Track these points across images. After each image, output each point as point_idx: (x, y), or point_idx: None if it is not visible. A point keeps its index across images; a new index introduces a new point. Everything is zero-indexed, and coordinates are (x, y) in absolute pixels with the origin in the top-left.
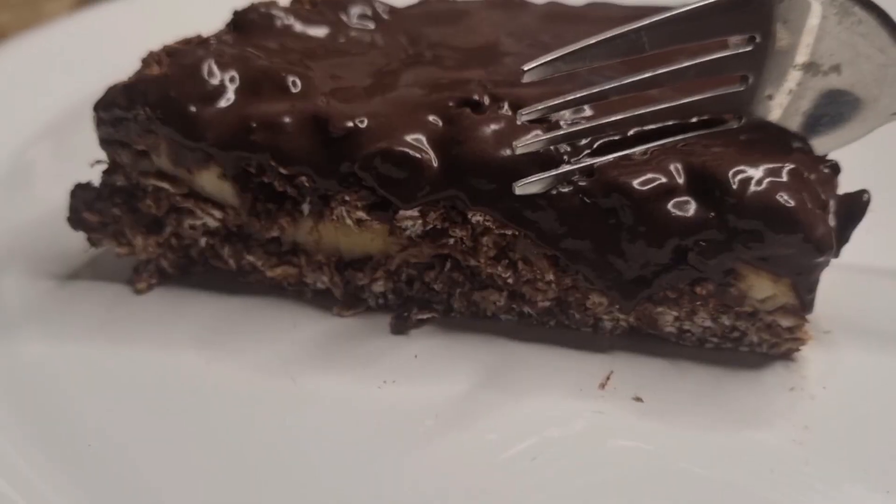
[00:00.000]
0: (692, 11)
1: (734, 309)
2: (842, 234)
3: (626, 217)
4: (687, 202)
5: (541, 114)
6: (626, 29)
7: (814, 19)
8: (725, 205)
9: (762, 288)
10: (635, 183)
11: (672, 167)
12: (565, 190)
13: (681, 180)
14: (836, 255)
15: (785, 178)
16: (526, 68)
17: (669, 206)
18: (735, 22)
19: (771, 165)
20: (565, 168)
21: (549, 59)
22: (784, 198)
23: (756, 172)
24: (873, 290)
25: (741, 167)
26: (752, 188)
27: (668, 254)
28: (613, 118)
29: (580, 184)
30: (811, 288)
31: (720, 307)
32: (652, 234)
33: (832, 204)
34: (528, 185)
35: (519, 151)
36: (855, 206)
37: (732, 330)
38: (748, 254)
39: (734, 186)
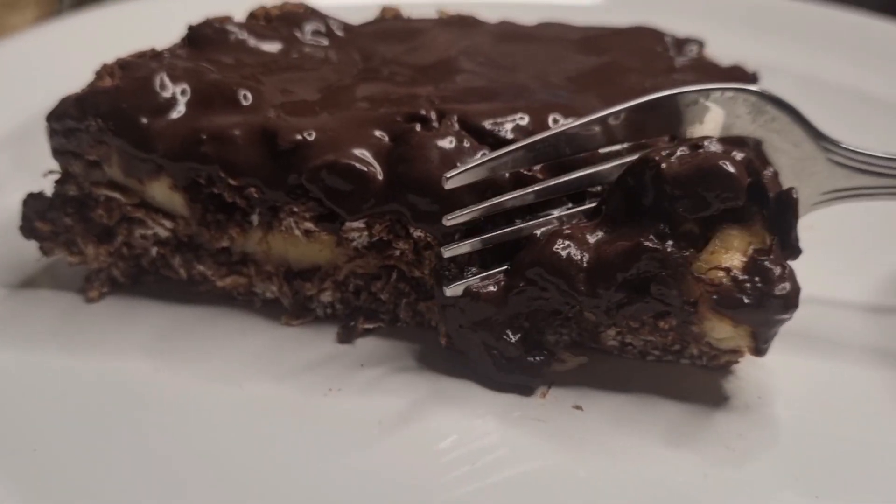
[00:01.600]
0: (607, 115)
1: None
2: (787, 238)
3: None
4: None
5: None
6: (545, 134)
7: (726, 119)
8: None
9: (722, 330)
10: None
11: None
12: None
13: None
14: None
15: None
16: (447, 175)
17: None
18: (650, 125)
19: None
20: (490, 235)
21: (470, 166)
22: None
23: None
24: (808, 304)
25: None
26: None
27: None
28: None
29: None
30: (769, 338)
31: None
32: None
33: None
34: (454, 248)
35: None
36: (785, 205)
37: (673, 343)
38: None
39: None
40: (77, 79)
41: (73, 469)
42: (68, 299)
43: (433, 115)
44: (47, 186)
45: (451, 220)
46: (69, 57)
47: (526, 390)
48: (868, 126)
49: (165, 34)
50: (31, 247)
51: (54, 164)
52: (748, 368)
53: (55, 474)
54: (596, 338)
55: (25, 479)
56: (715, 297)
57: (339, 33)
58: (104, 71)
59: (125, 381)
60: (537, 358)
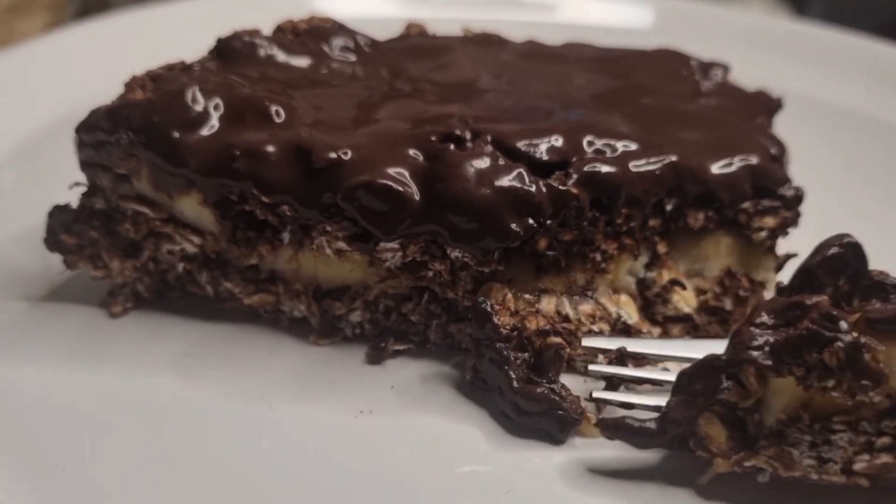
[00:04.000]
0: None
1: None
2: None
3: None
4: None
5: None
6: None
7: None
8: None
9: None
10: None
11: None
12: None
13: None
14: None
15: None
16: (594, 395)
17: None
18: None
19: None
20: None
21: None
22: None
23: None
24: None
25: None
26: None
27: None
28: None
29: None
30: None
31: None
32: None
33: None
34: (601, 393)
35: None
36: None
37: None
38: None
39: None
40: (90, 89)
41: (101, 487)
42: (91, 314)
43: (467, 135)
44: (70, 198)
45: (595, 394)
46: (78, 67)
47: (551, 439)
48: (884, 151)
49: (179, 44)
50: (55, 259)
51: (69, 176)
52: None
53: (82, 493)
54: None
55: (54, 498)
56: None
57: (367, 49)
58: (135, 83)
59: (150, 398)
60: (570, 414)
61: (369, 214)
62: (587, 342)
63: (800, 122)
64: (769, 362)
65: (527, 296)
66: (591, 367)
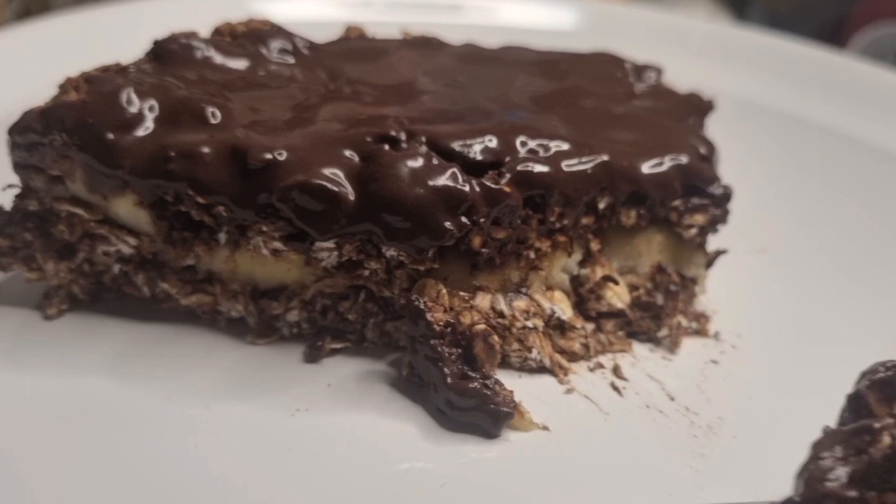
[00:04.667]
0: None
1: None
2: None
3: None
4: None
5: None
6: None
7: None
8: None
9: None
10: None
11: None
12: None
13: None
14: None
15: None
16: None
17: None
18: None
19: None
20: None
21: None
22: None
23: None
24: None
25: None
26: None
27: None
28: None
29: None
30: None
31: None
32: None
33: None
34: None
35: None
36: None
37: None
38: None
39: None
40: (24, 91)
41: (33, 488)
42: (25, 316)
43: (402, 136)
44: (5, 200)
45: None
46: (14, 69)
47: (485, 433)
48: (814, 152)
49: (118, 45)
50: None
51: (5, 177)
52: (711, 386)
53: (14, 493)
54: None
55: None
56: None
57: (305, 52)
58: (69, 84)
59: (85, 400)
60: (502, 409)
61: (304, 214)
62: None
63: (733, 123)
64: (853, 493)
65: (462, 293)
66: None
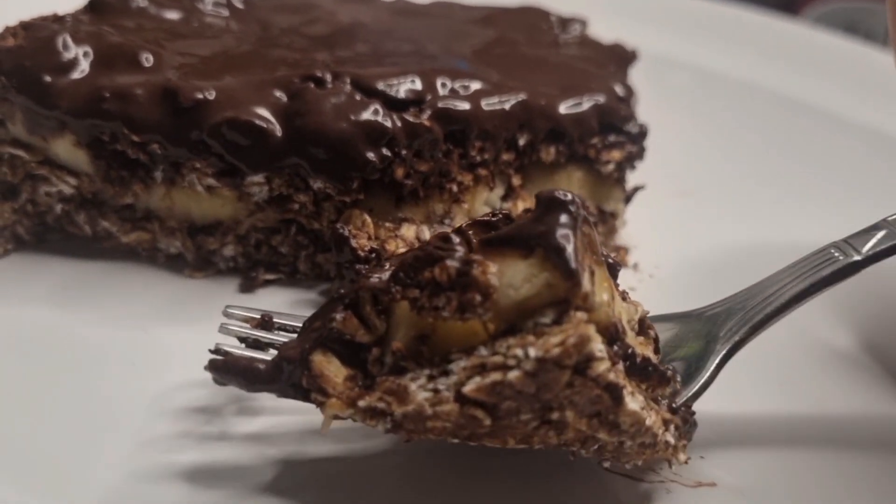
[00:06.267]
0: None
1: None
2: None
3: None
4: None
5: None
6: None
7: None
8: None
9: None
10: None
11: None
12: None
13: None
14: None
15: None
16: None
17: None
18: None
19: None
20: None
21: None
22: None
23: None
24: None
25: None
26: None
27: None
28: None
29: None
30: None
31: None
32: None
33: None
34: None
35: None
36: None
37: None
38: None
39: None
40: None
41: None
42: None
43: (328, 77)
44: None
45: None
46: None
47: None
48: (757, 117)
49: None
50: None
51: None
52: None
53: None
54: None
55: None
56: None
57: (239, 5)
58: (7, 31)
59: (30, 330)
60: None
61: (234, 149)
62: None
63: (665, 78)
64: (381, 285)
65: (388, 224)
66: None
